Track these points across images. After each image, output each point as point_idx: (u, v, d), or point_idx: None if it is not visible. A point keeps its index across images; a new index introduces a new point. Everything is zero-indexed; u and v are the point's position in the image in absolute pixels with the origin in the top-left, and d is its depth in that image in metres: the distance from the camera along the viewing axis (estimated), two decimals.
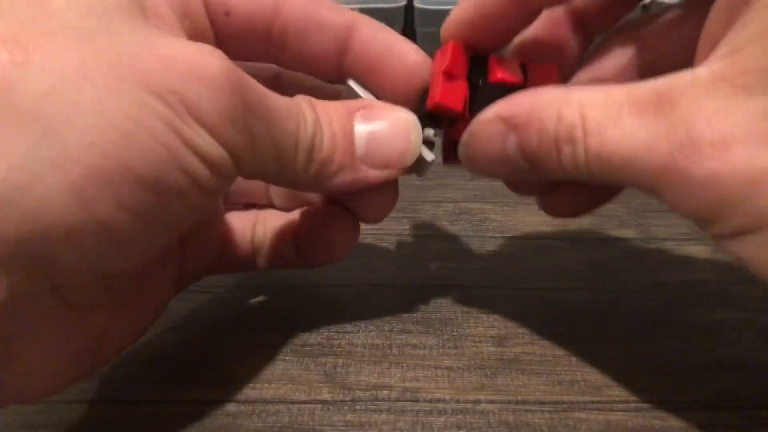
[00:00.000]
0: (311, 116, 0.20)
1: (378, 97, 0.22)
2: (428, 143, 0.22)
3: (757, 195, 0.15)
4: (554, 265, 0.28)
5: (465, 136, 0.20)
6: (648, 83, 0.17)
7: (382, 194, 0.22)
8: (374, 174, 0.21)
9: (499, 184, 0.33)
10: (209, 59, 0.17)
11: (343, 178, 0.21)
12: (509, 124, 0.19)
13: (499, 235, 0.30)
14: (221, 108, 0.17)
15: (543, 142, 0.18)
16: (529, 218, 0.31)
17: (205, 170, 0.17)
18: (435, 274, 0.27)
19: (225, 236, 0.25)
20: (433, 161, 0.22)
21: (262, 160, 0.19)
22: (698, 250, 0.29)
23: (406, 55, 0.22)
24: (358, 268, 0.28)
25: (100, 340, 0.19)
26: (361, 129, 0.21)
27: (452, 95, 0.21)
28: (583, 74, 0.23)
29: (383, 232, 0.30)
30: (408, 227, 0.28)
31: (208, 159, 0.17)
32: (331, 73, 0.23)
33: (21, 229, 0.14)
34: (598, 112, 0.17)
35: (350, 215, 0.24)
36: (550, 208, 0.23)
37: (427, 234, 0.30)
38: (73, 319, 0.18)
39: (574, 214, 0.23)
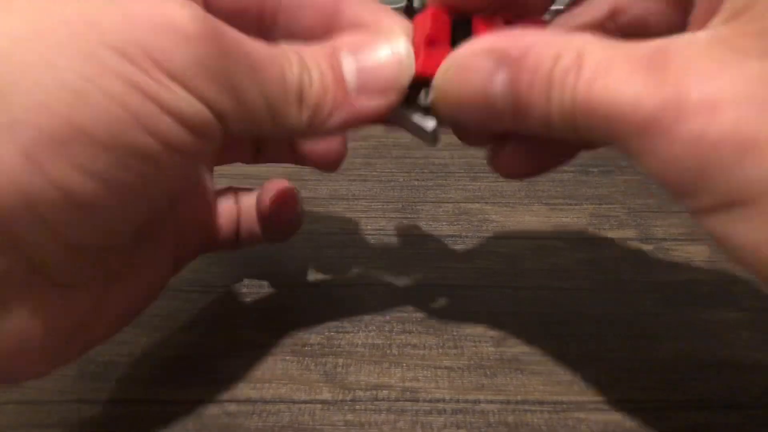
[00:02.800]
0: (296, 57, 0.19)
1: None
2: (424, 109, 0.20)
3: (745, 162, 0.14)
4: (554, 265, 0.28)
5: (443, 69, 0.19)
6: (647, 42, 0.16)
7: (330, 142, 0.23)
8: (373, 104, 0.19)
9: (499, 185, 0.33)
10: (178, 9, 0.16)
11: (339, 117, 0.19)
12: (502, 59, 0.17)
13: (499, 235, 0.30)
14: (195, 58, 0.16)
15: (535, 82, 0.17)
16: (529, 218, 0.31)
17: (181, 130, 0.16)
18: (435, 274, 0.27)
19: (216, 213, 0.24)
20: (435, 127, 0.20)
21: (249, 113, 0.18)
22: (698, 250, 0.29)
23: (392, 30, 0.21)
24: (358, 268, 0.28)
25: (91, 317, 0.18)
26: (350, 61, 0.19)
27: (434, 62, 0.19)
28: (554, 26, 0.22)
29: (383, 233, 0.30)
30: (408, 227, 0.28)
31: (183, 117, 0.16)
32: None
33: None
34: (594, 60, 0.16)
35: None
36: (500, 164, 0.22)
37: (426, 234, 0.30)
38: (59, 297, 0.17)
39: (524, 173, 0.22)
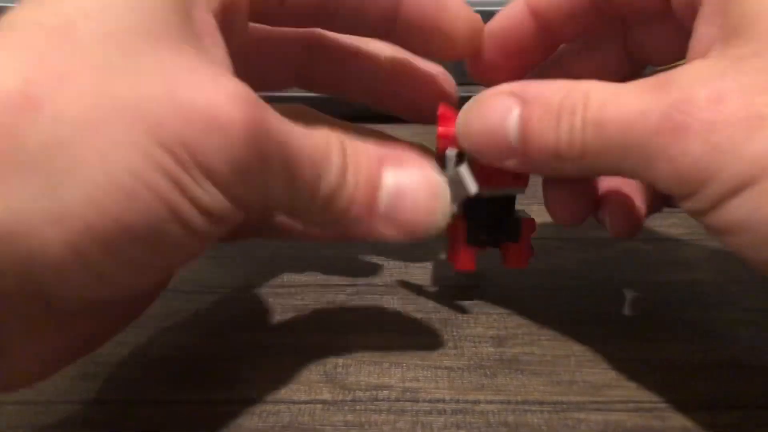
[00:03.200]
0: (338, 163, 0.19)
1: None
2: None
3: (756, 137, 0.15)
4: (554, 265, 0.28)
5: (470, 103, 0.21)
6: (649, 77, 0.17)
7: None
8: (390, 234, 0.20)
9: None
10: (231, 107, 0.16)
11: (355, 229, 0.20)
12: (519, 98, 0.19)
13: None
14: (234, 162, 0.16)
15: (545, 114, 0.18)
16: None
17: (206, 221, 0.16)
18: (435, 275, 0.27)
19: None
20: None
21: (270, 207, 0.19)
22: (698, 250, 0.29)
23: (456, 8, 0.22)
24: (358, 268, 0.28)
25: (90, 335, 0.19)
26: (390, 182, 0.20)
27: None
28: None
29: None
30: None
31: (210, 212, 0.16)
32: (380, 37, 0.24)
33: (13, 267, 0.14)
34: (602, 91, 0.18)
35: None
36: (551, 211, 0.23)
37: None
38: (62, 323, 0.18)
39: (570, 219, 0.23)
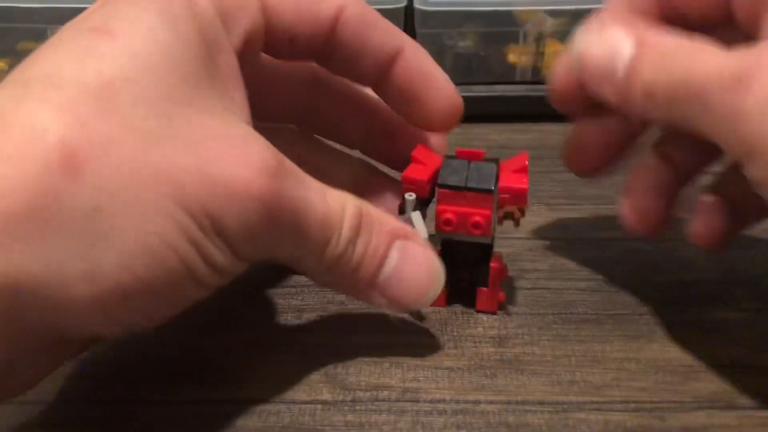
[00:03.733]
0: (348, 234, 0.20)
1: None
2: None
3: None
4: (554, 265, 0.28)
5: (588, 29, 0.21)
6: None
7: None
8: (380, 303, 0.21)
9: None
10: (254, 178, 0.17)
11: (350, 292, 0.22)
12: (636, 40, 0.20)
13: (500, 235, 0.30)
14: (247, 228, 0.17)
15: (657, 62, 0.19)
16: (529, 218, 0.31)
17: (214, 276, 0.18)
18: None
19: None
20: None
21: (277, 260, 0.20)
22: (698, 250, 0.29)
23: (443, 86, 0.24)
24: None
25: (87, 348, 0.20)
26: (393, 257, 0.21)
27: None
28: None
29: None
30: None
31: (219, 268, 0.18)
32: (369, 86, 0.25)
33: (41, 314, 0.16)
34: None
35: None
36: (696, 235, 0.24)
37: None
38: (66, 347, 0.19)
39: (719, 240, 0.24)
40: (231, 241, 0.17)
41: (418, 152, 0.24)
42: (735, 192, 0.23)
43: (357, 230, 0.20)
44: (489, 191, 0.23)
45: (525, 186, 0.23)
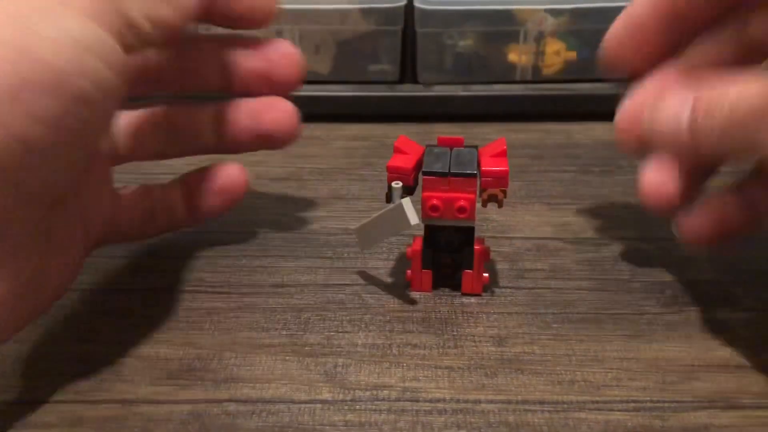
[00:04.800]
0: None
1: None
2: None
3: None
4: (554, 264, 0.28)
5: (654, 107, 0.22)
6: None
7: None
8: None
9: None
10: None
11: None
12: (691, 90, 0.21)
13: (499, 235, 0.30)
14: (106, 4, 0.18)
15: (707, 109, 0.20)
16: (529, 218, 0.31)
17: (102, 66, 0.18)
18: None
19: (118, 202, 0.26)
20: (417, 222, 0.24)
21: (137, 29, 0.20)
22: (698, 250, 0.29)
23: None
24: (358, 268, 0.28)
25: (33, 286, 0.20)
26: None
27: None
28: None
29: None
30: (407, 234, 0.28)
31: (101, 53, 0.18)
32: None
33: None
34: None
35: (237, 166, 0.27)
36: (686, 229, 0.24)
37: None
38: (7, 260, 0.19)
39: (708, 238, 0.24)
40: (93, 14, 0.18)
41: (399, 143, 0.25)
42: (755, 194, 0.24)
43: None
44: (472, 175, 0.24)
45: (506, 168, 0.24)
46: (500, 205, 0.25)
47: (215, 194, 0.27)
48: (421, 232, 0.25)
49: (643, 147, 0.24)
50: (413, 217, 0.23)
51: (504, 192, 0.24)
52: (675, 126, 0.21)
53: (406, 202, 0.23)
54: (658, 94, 0.23)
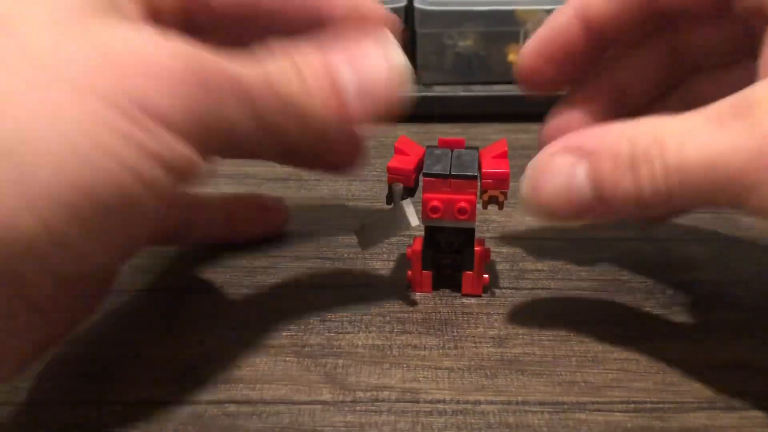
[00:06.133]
0: (290, 68, 0.18)
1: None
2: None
3: None
4: (554, 265, 0.28)
5: (529, 171, 0.20)
6: (719, 102, 0.17)
7: (350, 147, 0.23)
8: (366, 113, 0.20)
9: None
10: (160, 48, 0.16)
11: (336, 132, 0.20)
12: (579, 152, 0.19)
13: (499, 235, 0.30)
14: (182, 101, 0.16)
15: (618, 165, 0.18)
16: (530, 218, 0.31)
17: (166, 174, 0.16)
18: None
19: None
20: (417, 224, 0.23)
21: (241, 143, 0.18)
22: (698, 250, 0.29)
23: (387, 40, 0.21)
24: (358, 268, 0.28)
25: (64, 327, 0.19)
26: (347, 71, 0.19)
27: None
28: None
29: None
30: (407, 235, 0.28)
31: (169, 162, 0.16)
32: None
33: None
34: (674, 131, 0.17)
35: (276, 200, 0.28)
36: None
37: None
38: (39, 318, 0.18)
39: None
40: (173, 124, 0.16)
41: (400, 143, 0.25)
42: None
43: (295, 64, 0.19)
44: (473, 177, 0.24)
45: (507, 170, 0.24)
46: (501, 207, 0.24)
47: (253, 222, 0.28)
48: (422, 233, 0.25)
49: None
50: (413, 219, 0.23)
51: (504, 194, 0.24)
52: (569, 191, 0.19)
53: (407, 204, 0.23)
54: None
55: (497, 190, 0.24)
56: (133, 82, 0.15)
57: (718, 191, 0.17)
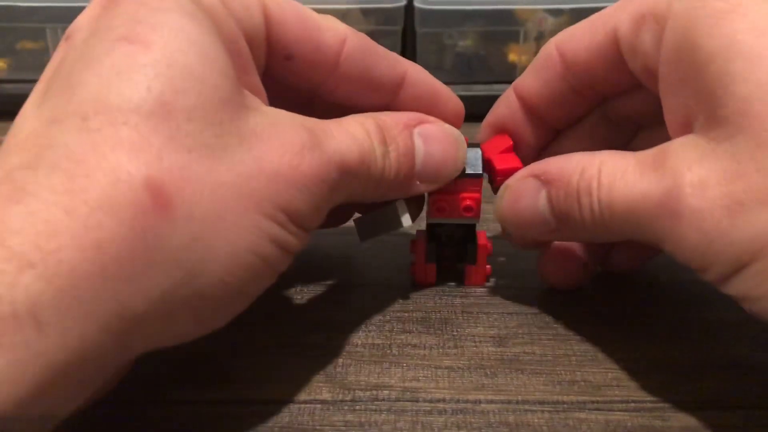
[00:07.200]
0: (380, 150, 0.21)
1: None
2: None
3: (739, 225, 0.17)
4: None
5: (501, 191, 0.23)
6: (649, 150, 0.19)
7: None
8: (424, 187, 0.23)
9: None
10: (301, 158, 0.18)
11: (398, 194, 0.23)
12: (541, 179, 0.21)
13: (500, 234, 0.30)
14: (315, 206, 0.19)
15: (568, 194, 0.20)
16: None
17: (289, 259, 0.19)
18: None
19: None
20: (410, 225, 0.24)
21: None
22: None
23: (449, 99, 0.25)
24: (359, 268, 0.28)
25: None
26: (419, 146, 0.22)
27: None
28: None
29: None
30: (408, 227, 0.28)
31: (293, 250, 0.19)
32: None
33: (143, 345, 0.17)
34: (611, 169, 0.19)
35: None
36: (544, 273, 0.26)
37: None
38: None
39: (564, 282, 0.26)
40: (302, 221, 0.19)
41: None
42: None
43: (384, 141, 0.21)
44: (479, 176, 0.24)
45: (520, 165, 0.24)
46: None
47: None
48: (423, 226, 0.26)
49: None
50: (406, 219, 0.23)
51: None
52: (533, 213, 0.22)
53: (401, 204, 0.24)
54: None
55: None
56: (283, 192, 0.18)
57: (641, 231, 0.19)
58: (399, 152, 0.21)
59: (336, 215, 0.25)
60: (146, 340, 0.17)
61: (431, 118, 0.23)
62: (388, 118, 0.22)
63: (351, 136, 0.20)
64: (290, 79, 0.22)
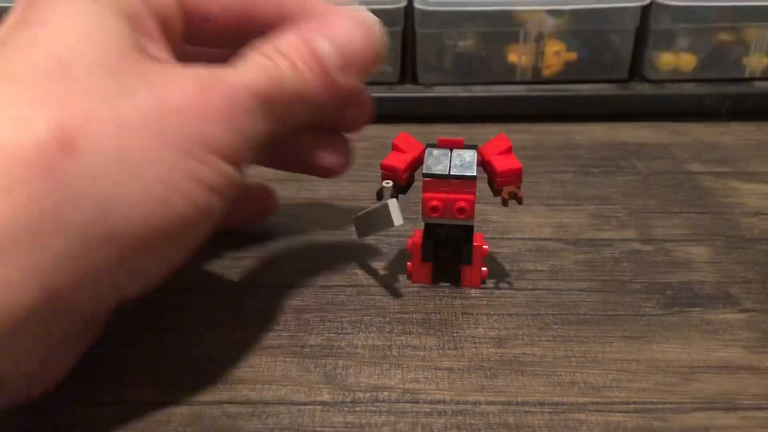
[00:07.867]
0: (285, 64, 0.20)
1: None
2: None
3: None
4: (554, 265, 0.28)
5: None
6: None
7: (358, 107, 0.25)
8: (353, 79, 0.22)
9: None
10: (215, 92, 0.18)
11: (332, 99, 0.22)
12: None
13: (499, 235, 0.30)
14: (241, 137, 0.19)
15: None
16: (529, 219, 0.31)
17: (218, 200, 0.19)
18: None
19: None
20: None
21: (265, 146, 0.20)
22: (698, 250, 0.29)
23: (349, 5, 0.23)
24: (358, 268, 0.28)
25: (100, 335, 0.21)
26: (323, 44, 0.21)
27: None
28: None
29: (383, 233, 0.30)
30: (408, 228, 0.28)
31: (226, 190, 0.19)
32: None
33: (68, 281, 0.17)
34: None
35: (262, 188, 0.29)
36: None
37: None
38: (86, 329, 0.20)
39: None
40: (230, 155, 0.19)
41: (399, 140, 0.26)
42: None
43: (285, 57, 0.20)
44: (473, 178, 0.24)
45: (520, 165, 0.24)
46: (520, 202, 0.25)
47: (242, 209, 0.28)
48: (420, 227, 0.26)
49: None
50: (398, 218, 0.24)
51: (519, 187, 0.25)
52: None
53: (392, 203, 0.24)
54: None
55: (512, 186, 0.24)
56: (194, 126, 0.18)
57: None
58: (305, 60, 0.21)
59: (292, 152, 0.25)
60: (93, 289, 0.17)
61: (327, 17, 0.22)
62: (283, 38, 0.21)
63: (253, 63, 0.20)
64: (212, 40, 0.23)
